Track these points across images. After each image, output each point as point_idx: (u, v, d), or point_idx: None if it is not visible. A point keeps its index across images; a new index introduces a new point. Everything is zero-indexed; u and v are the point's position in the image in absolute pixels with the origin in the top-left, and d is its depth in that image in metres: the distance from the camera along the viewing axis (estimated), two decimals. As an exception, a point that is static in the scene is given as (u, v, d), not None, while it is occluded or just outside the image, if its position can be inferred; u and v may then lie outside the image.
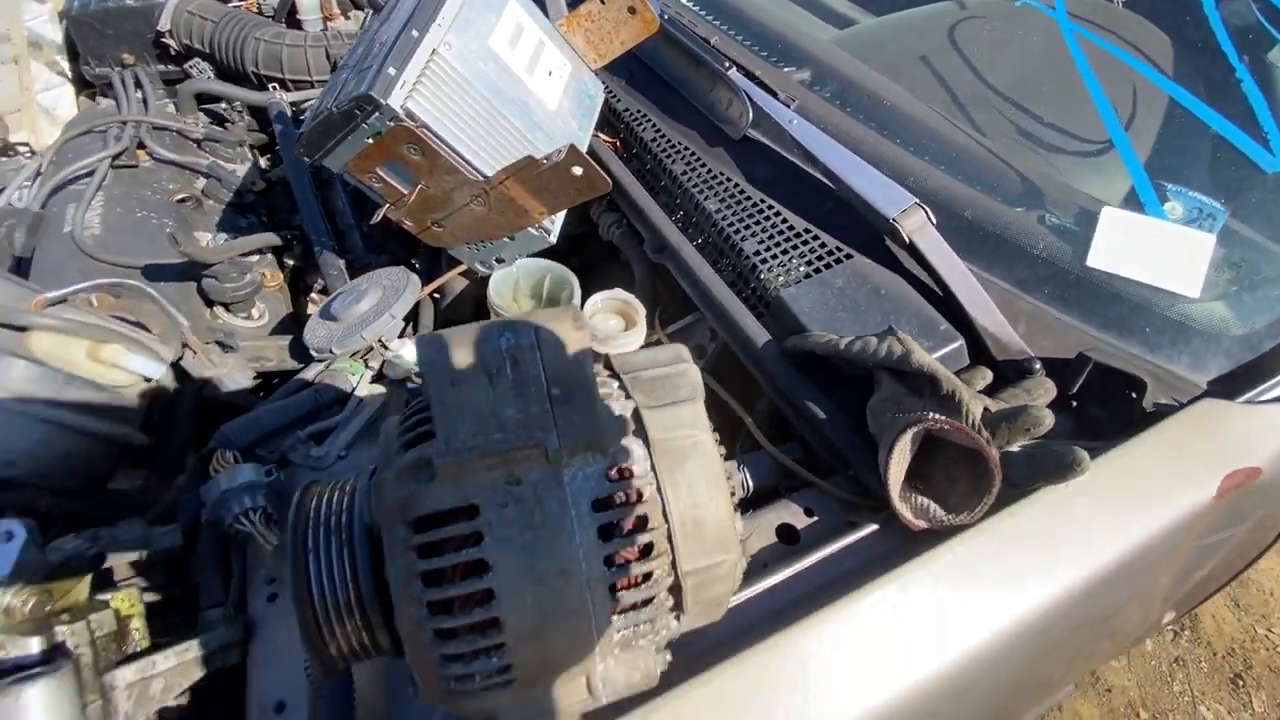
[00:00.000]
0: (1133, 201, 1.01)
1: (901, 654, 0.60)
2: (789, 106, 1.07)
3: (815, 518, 0.76)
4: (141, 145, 1.21)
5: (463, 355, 0.41)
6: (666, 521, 0.43)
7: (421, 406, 0.47)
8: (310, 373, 0.90)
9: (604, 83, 1.22)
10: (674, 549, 0.43)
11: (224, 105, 1.65)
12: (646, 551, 0.43)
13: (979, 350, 0.87)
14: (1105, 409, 0.84)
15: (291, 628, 0.71)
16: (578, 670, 0.43)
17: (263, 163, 1.53)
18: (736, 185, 1.04)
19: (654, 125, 1.15)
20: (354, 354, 0.94)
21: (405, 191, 0.93)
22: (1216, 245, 0.93)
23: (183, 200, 1.18)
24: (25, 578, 0.53)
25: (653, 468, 0.44)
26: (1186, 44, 1.15)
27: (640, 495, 0.43)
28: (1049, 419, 0.70)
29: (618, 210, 1.15)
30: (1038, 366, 0.84)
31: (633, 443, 0.44)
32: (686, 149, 1.11)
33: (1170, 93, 1.06)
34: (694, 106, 1.17)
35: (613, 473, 0.43)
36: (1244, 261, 0.95)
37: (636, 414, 0.45)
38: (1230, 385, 0.83)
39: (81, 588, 0.59)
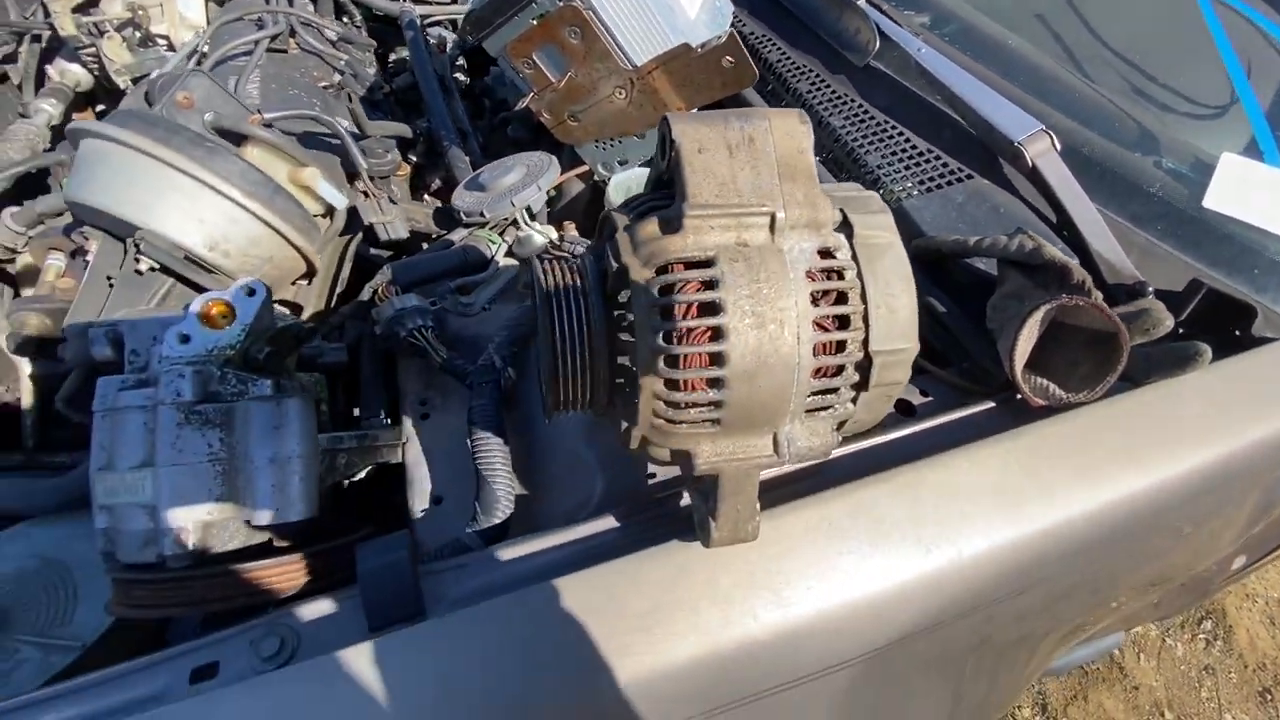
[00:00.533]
0: (1251, 153, 1.03)
1: (1020, 503, 0.64)
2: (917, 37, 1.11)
3: (930, 398, 0.81)
4: (293, 33, 1.29)
5: (708, 129, 0.47)
6: (864, 303, 0.49)
7: (643, 194, 0.53)
8: (455, 236, 0.97)
9: (730, 8, 1.27)
10: (868, 328, 0.49)
11: (345, 19, 1.74)
12: (843, 324, 0.49)
13: (1092, 273, 0.90)
14: (1212, 337, 0.87)
15: (446, 439, 0.78)
16: (770, 425, 0.49)
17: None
18: (860, 106, 1.08)
19: (778, 48, 1.20)
20: (493, 226, 1.01)
21: (554, 79, 0.99)
22: (1335, 197, 0.95)
23: (326, 87, 1.26)
24: (260, 332, 0.61)
25: (854, 257, 0.49)
26: None
27: (842, 275, 0.49)
28: (1169, 320, 0.74)
29: (734, 128, 1.21)
30: (1149, 289, 0.87)
31: (839, 233, 0.50)
32: (811, 71, 1.15)
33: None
34: (816, 35, 1.22)
35: (821, 252, 0.49)
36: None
37: (842, 212, 0.50)
38: (1337, 328, 0.85)
39: (291, 360, 0.67)
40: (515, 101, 1.41)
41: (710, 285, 0.46)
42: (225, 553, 0.55)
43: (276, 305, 0.89)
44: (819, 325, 0.48)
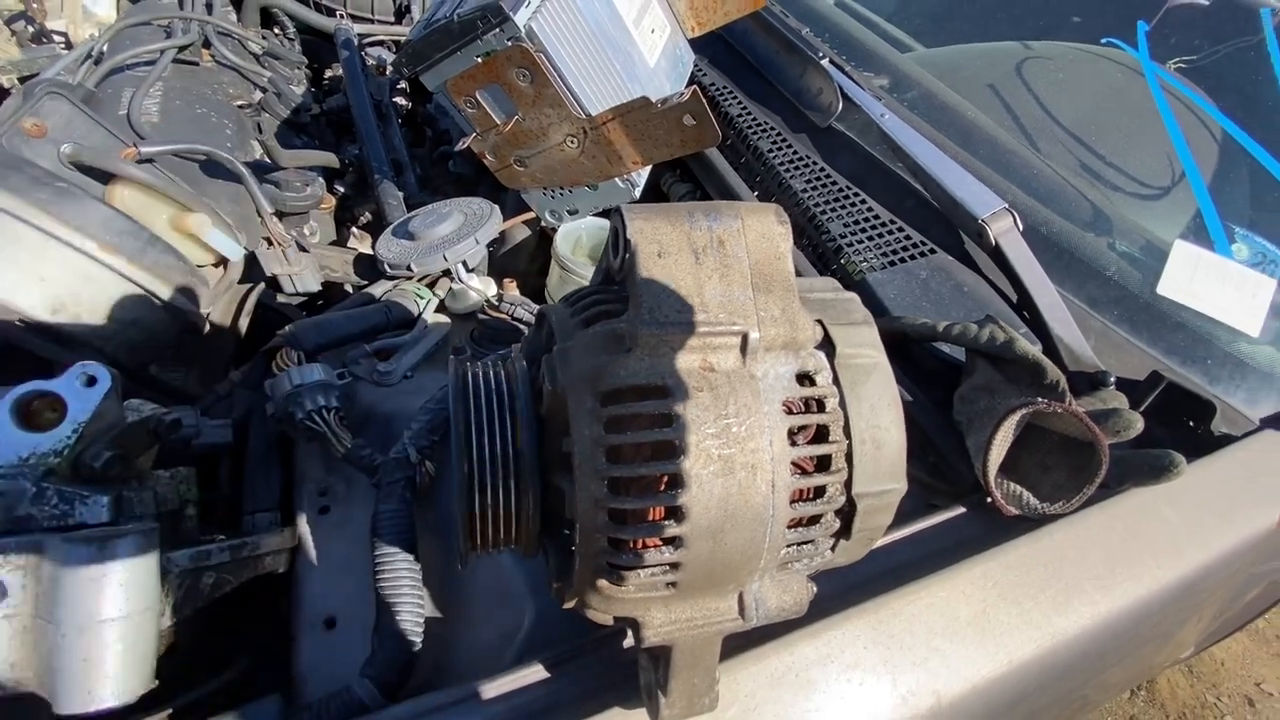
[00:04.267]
0: (1199, 239, 1.04)
1: (1000, 635, 0.58)
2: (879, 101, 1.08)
3: (896, 496, 0.74)
4: (207, 44, 1.15)
5: (670, 229, 0.39)
6: (847, 438, 0.41)
7: (591, 290, 0.44)
8: (378, 289, 0.86)
9: (690, 56, 1.22)
10: (851, 468, 0.41)
11: (276, 31, 1.60)
12: (823, 465, 0.41)
13: (1052, 358, 0.87)
14: (1169, 430, 0.85)
15: (345, 541, 0.66)
16: (734, 585, 0.41)
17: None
18: (822, 169, 1.04)
19: (739, 102, 1.15)
20: (422, 279, 0.90)
21: (499, 121, 0.90)
22: (1277, 289, 0.96)
23: (243, 107, 1.12)
24: (101, 431, 0.48)
25: (835, 381, 0.42)
26: (1258, 100, 1.20)
27: (823, 405, 0.41)
28: (1139, 423, 0.70)
29: (691, 181, 1.14)
30: (1111, 380, 0.85)
31: (819, 351, 0.42)
32: (772, 128, 1.10)
33: (1242, 142, 1.10)
34: (779, 92, 1.17)
35: (800, 378, 0.41)
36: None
37: (822, 326, 0.43)
38: (1281, 423, 0.85)
39: (147, 458, 0.54)
40: (459, 137, 1.31)
41: (667, 421, 0.37)
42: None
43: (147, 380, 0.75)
44: (797, 468, 0.40)
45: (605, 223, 1.12)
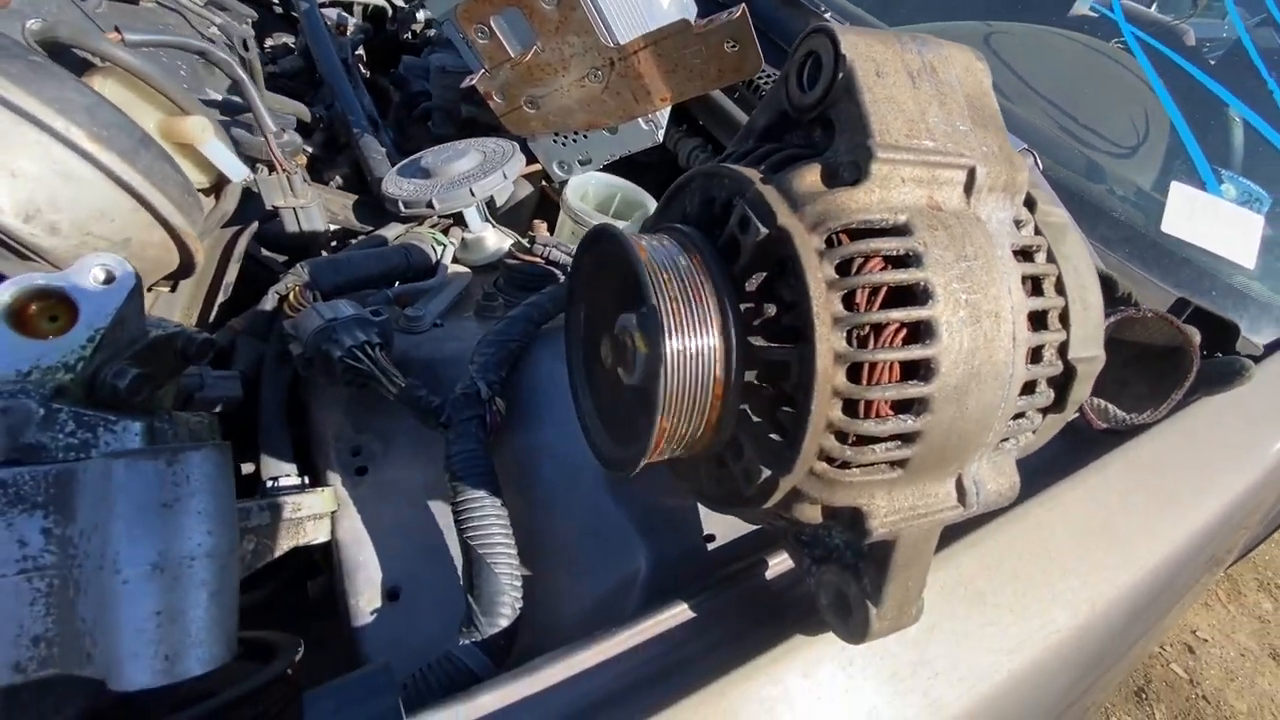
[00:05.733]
0: (1190, 182, 1.10)
1: (1132, 538, 0.56)
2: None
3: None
4: (147, -21, 1.00)
5: (883, 48, 0.33)
6: (1062, 296, 0.37)
7: (754, 146, 0.38)
8: (390, 232, 0.75)
9: (687, 11, 1.17)
10: (1068, 329, 0.37)
11: (209, -9, 1.44)
12: (1040, 324, 0.36)
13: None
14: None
15: (391, 504, 0.56)
16: (957, 465, 0.35)
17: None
18: (840, 116, 1.02)
19: (745, 54, 1.11)
20: (435, 224, 0.80)
21: (514, 53, 0.82)
22: (1265, 226, 1.02)
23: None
24: (122, 344, 0.37)
25: (1039, 234, 0.38)
26: (1227, 55, 1.29)
27: (1032, 257, 0.37)
28: (1197, 335, 0.71)
29: (701, 134, 1.10)
30: (1147, 309, 0.86)
31: (1022, 205, 0.38)
32: (783, 79, 1.08)
33: (1215, 91, 1.17)
34: (781, 48, 1.15)
35: (1017, 225, 0.36)
36: (1281, 244, 1.05)
37: (1014, 178, 0.39)
38: (1286, 347, 0.89)
39: (168, 391, 0.43)
40: (438, 91, 1.21)
41: (906, 262, 0.31)
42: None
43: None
44: (1028, 323, 0.35)
45: (611, 179, 1.05)
